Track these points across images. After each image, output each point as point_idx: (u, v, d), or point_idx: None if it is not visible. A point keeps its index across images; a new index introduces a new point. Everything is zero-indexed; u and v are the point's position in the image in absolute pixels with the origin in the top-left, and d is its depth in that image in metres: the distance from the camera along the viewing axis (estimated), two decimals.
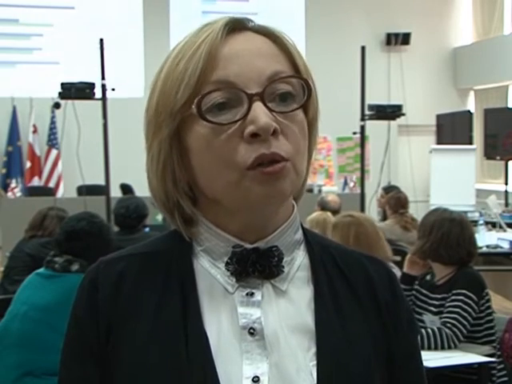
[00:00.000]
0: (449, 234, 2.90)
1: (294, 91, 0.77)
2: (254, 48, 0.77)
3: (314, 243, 0.87)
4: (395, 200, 5.63)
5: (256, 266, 0.79)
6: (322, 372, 0.76)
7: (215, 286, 0.81)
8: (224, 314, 0.79)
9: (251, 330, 0.77)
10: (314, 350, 0.78)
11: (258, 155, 0.74)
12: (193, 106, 0.75)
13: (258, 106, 0.74)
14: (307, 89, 0.78)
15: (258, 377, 0.75)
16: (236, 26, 0.78)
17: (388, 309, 0.85)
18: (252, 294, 0.79)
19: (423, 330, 2.72)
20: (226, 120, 0.74)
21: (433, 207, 5.75)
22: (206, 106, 0.74)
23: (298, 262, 0.84)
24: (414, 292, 3.06)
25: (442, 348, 2.69)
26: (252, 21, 0.81)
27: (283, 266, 0.81)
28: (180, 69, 0.76)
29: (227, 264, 0.80)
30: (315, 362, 0.77)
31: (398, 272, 3.23)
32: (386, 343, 0.83)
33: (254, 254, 0.79)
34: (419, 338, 2.92)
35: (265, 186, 0.74)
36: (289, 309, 0.80)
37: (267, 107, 0.74)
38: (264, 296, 0.80)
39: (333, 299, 0.82)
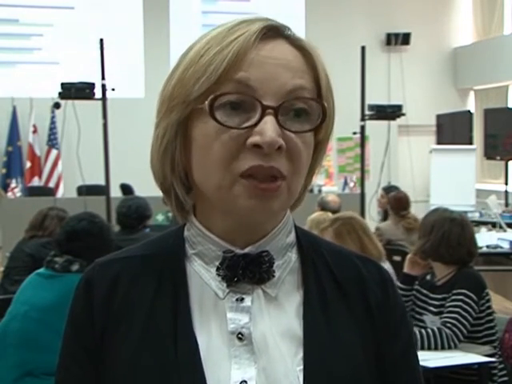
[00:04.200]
0: (449, 234, 2.91)
1: (309, 110, 0.77)
2: (282, 58, 0.76)
3: (305, 244, 0.87)
4: (396, 200, 5.60)
5: (246, 272, 0.79)
6: (308, 377, 0.77)
7: (206, 291, 0.81)
8: (214, 319, 0.79)
9: (240, 335, 0.78)
10: (301, 354, 0.79)
11: (254, 165, 0.73)
12: (206, 102, 0.74)
13: (269, 120, 0.73)
14: (322, 114, 0.77)
15: (245, 381, 0.76)
16: (272, 32, 0.77)
17: (379, 309, 0.85)
18: (242, 300, 0.80)
19: (423, 330, 2.72)
20: (234, 123, 0.74)
21: (433, 207, 5.74)
22: (219, 102, 0.74)
23: (289, 265, 0.84)
24: (414, 292, 3.06)
25: (442, 348, 2.69)
26: (290, 29, 0.79)
27: (274, 271, 0.81)
28: (204, 61, 0.75)
29: (218, 269, 0.80)
30: (302, 367, 0.78)
31: (385, 265, 3.22)
32: (376, 344, 0.83)
33: (244, 260, 0.79)
34: (419, 338, 2.90)
35: (254, 201, 0.74)
36: (278, 314, 0.81)
37: (279, 123, 0.73)
38: (254, 301, 0.80)
39: (321, 303, 0.83)
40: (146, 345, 0.78)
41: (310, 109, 0.77)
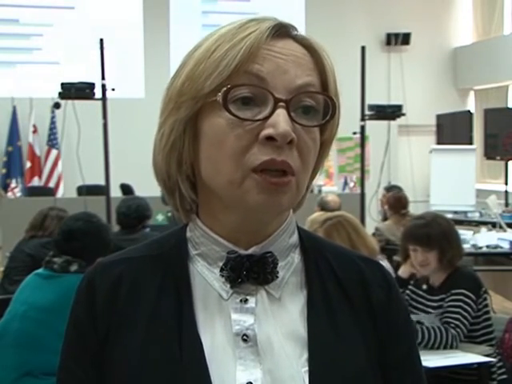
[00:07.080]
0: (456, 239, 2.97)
1: (317, 107, 0.77)
2: (292, 55, 0.77)
3: (308, 245, 0.87)
4: (395, 200, 5.61)
5: (250, 273, 0.79)
6: (313, 378, 0.77)
7: (210, 292, 0.81)
8: (218, 321, 0.79)
9: (244, 337, 0.77)
10: (305, 356, 0.78)
11: (267, 159, 0.73)
12: (219, 94, 0.74)
13: (281, 112, 0.73)
14: (331, 110, 0.78)
15: (251, 383, 0.75)
16: (281, 31, 0.78)
17: (382, 310, 0.85)
18: (246, 301, 0.79)
19: (429, 326, 2.73)
20: (246, 116, 0.74)
21: (433, 207, 5.72)
22: (231, 96, 0.74)
23: (292, 266, 0.84)
24: (408, 292, 3.07)
25: (445, 347, 2.69)
26: (296, 29, 0.81)
27: (278, 272, 0.81)
28: (216, 57, 0.75)
29: (221, 270, 0.80)
30: (307, 369, 0.77)
31: (383, 263, 3.23)
32: (379, 346, 0.83)
33: (248, 261, 0.79)
34: (426, 333, 2.89)
35: (264, 195, 0.74)
36: (282, 316, 0.81)
37: (290, 116, 0.74)
38: (258, 302, 0.80)
39: (325, 304, 0.82)
40: (151, 347, 0.78)
41: (317, 106, 0.77)
